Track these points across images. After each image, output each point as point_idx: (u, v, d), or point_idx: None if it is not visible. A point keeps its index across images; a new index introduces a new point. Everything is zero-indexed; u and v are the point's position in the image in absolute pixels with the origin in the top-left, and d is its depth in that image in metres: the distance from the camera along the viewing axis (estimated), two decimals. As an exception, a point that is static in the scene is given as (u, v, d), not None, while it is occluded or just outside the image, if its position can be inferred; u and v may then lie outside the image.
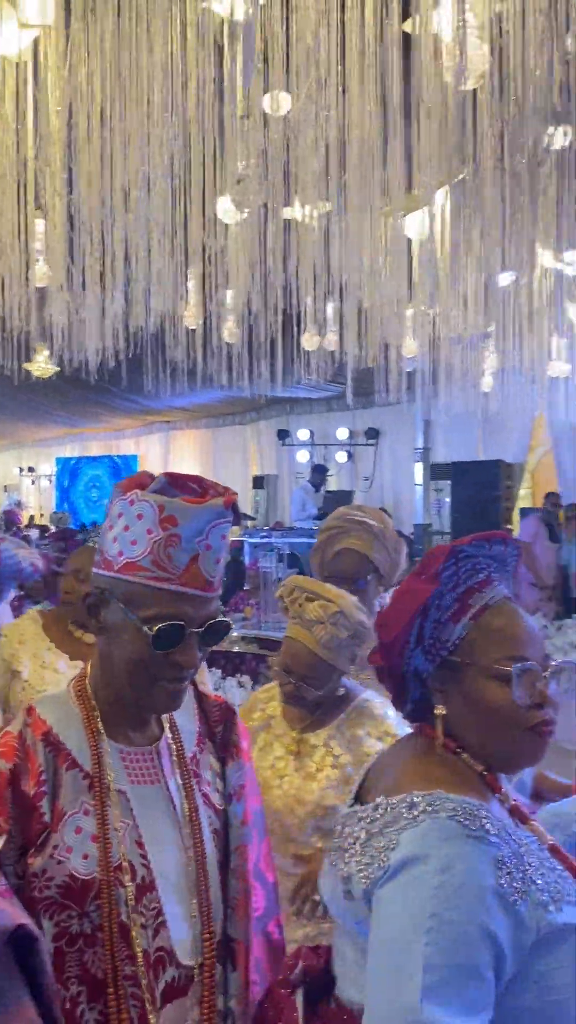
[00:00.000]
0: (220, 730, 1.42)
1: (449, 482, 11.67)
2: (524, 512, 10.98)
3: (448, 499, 11.77)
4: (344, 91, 2.61)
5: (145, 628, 1.20)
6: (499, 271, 3.87)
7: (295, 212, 3.44)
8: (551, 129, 2.14)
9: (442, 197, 2.88)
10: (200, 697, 1.43)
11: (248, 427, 14.81)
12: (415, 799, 1.15)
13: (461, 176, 2.52)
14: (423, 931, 1.05)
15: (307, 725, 2.17)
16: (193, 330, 4.34)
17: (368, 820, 1.18)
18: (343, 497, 12.17)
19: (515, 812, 1.24)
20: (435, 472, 11.87)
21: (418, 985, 1.03)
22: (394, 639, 1.25)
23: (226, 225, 3.55)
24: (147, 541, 1.21)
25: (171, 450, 16.36)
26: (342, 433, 13.35)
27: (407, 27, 2.45)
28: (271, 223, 3.53)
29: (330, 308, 4.61)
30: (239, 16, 2.58)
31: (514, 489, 11.63)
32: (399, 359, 5.04)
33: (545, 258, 4.10)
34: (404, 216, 2.95)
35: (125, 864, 1.23)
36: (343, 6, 2.49)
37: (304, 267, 3.66)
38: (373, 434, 13.04)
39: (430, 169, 2.06)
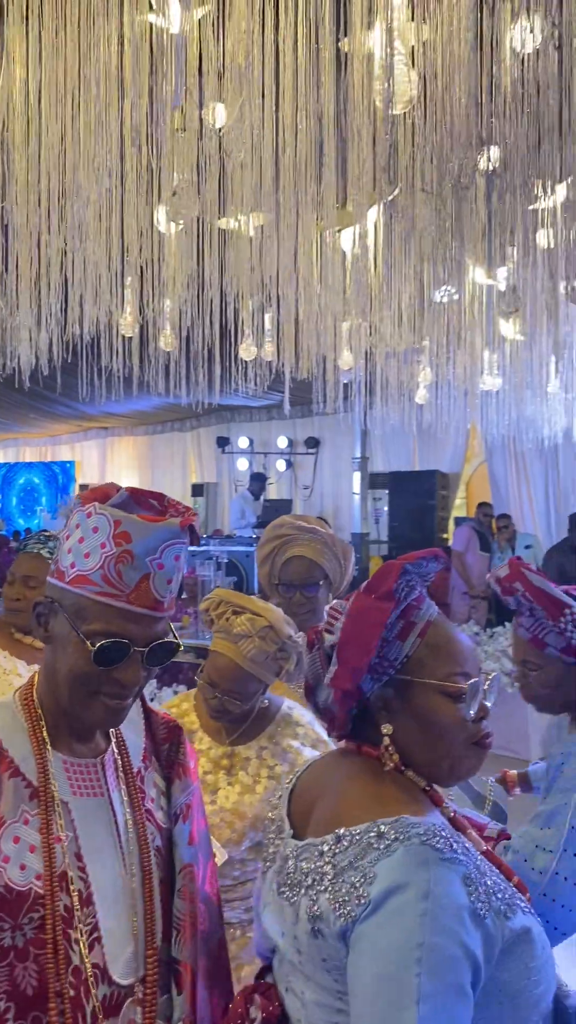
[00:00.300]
0: (166, 748, 1.41)
1: (387, 491, 11.85)
2: (459, 521, 11.21)
3: (386, 508, 11.94)
4: (278, 107, 2.66)
5: (88, 643, 1.19)
6: (432, 287, 3.96)
7: (231, 223, 3.47)
8: (479, 153, 2.21)
9: (375, 214, 2.94)
10: (148, 714, 1.42)
11: (187, 434, 14.76)
12: (382, 828, 1.14)
13: (393, 195, 2.59)
14: (414, 961, 1.05)
15: (236, 738, 2.16)
16: (130, 338, 4.32)
17: (331, 854, 1.16)
18: (282, 506, 12.23)
19: (454, 823, 1.27)
20: (373, 481, 12.02)
21: (414, 1017, 1.03)
22: (361, 661, 1.23)
23: (162, 235, 3.56)
24: (100, 555, 1.19)
25: (109, 456, 16.19)
26: (282, 442, 13.41)
27: (342, 46, 2.50)
28: (208, 233, 3.55)
29: (267, 319, 4.65)
30: (175, 29, 2.60)
31: (449, 499, 11.87)
32: (336, 371, 5.11)
33: (477, 275, 4.21)
34: (339, 231, 3.00)
35: (66, 876, 1.21)
36: (277, 25, 2.53)
37: (241, 278, 3.69)
38: (313, 443, 13.14)
39: (362, 187, 2.11)
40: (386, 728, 1.25)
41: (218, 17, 2.51)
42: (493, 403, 6.54)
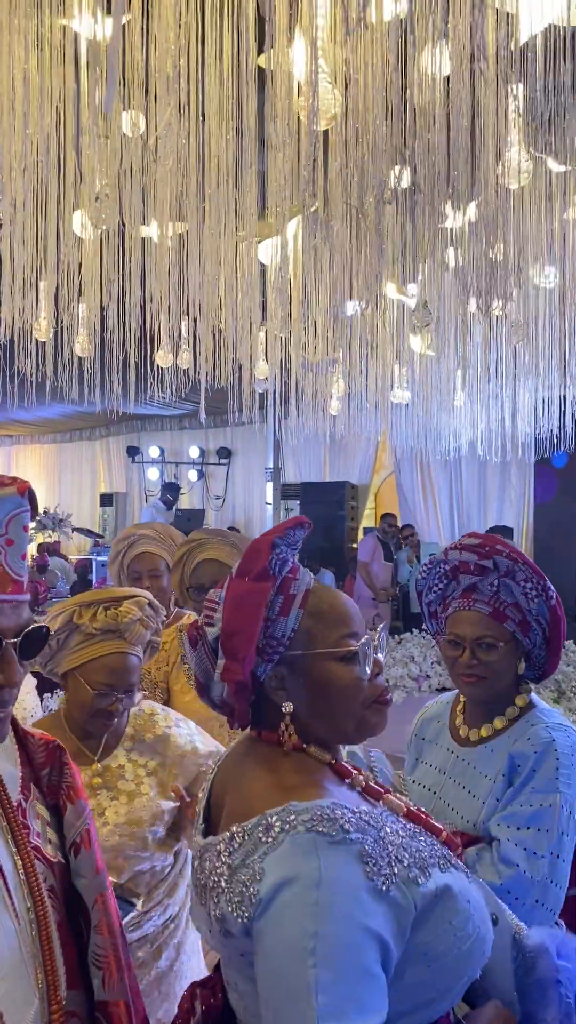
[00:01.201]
0: (47, 773, 1.26)
1: (298, 502, 11.98)
2: (368, 531, 11.43)
3: (297, 518, 12.06)
4: (203, 118, 2.69)
5: None
6: (347, 301, 4.06)
7: (151, 231, 3.48)
8: (395, 171, 2.30)
9: (294, 227, 3.01)
10: (22, 738, 1.25)
11: (96, 443, 14.55)
12: (270, 819, 1.11)
13: (312, 209, 2.66)
14: (309, 953, 1.02)
15: (101, 752, 2.05)
16: (43, 343, 4.26)
17: (227, 853, 1.13)
18: (194, 515, 12.18)
19: (368, 792, 1.24)
20: (285, 492, 12.14)
21: (313, 1009, 1.00)
22: (249, 648, 1.18)
23: (80, 240, 3.53)
24: None
25: (14, 465, 15.77)
26: (194, 451, 13.38)
27: (261, 61, 2.56)
28: (128, 240, 3.55)
29: (184, 327, 4.66)
30: (98, 37, 2.61)
31: (359, 509, 12.10)
32: (251, 380, 5.16)
33: (389, 290, 4.33)
34: (257, 242, 3.05)
35: None
36: (203, 37, 2.57)
37: (159, 285, 3.70)
38: (225, 453, 13.16)
39: (282, 200, 2.16)
40: (286, 707, 1.21)
41: (142, 26, 2.53)
42: (402, 415, 6.72)
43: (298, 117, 2.07)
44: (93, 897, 1.20)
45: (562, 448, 6.70)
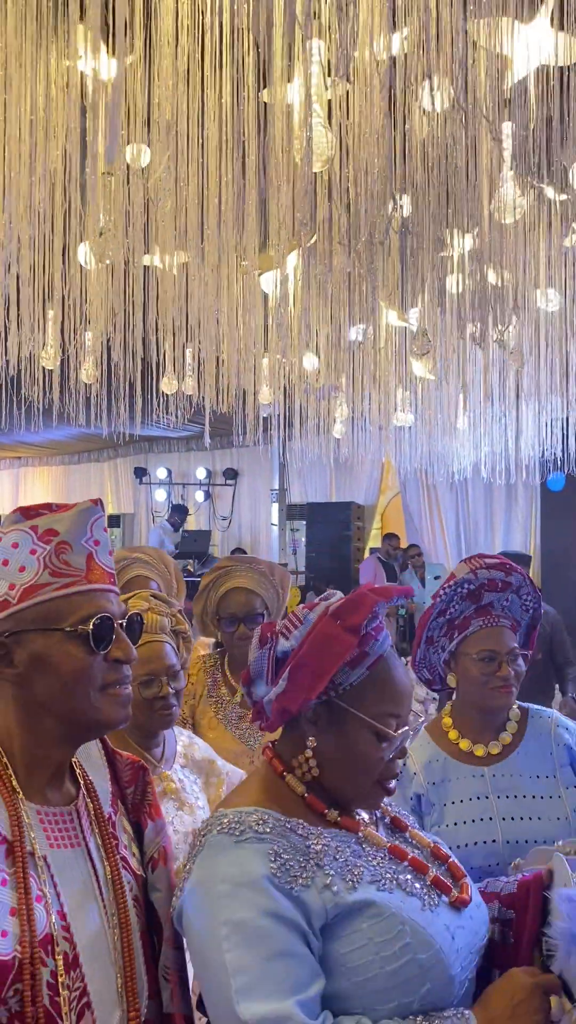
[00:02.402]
0: (132, 791, 1.34)
1: (304, 522, 12.01)
2: (373, 551, 11.46)
3: (303, 539, 12.10)
4: (202, 154, 2.76)
5: (80, 628, 1.14)
6: (348, 329, 4.12)
7: (155, 261, 3.55)
8: (389, 208, 2.36)
9: (295, 259, 3.07)
10: (111, 756, 1.35)
11: (104, 464, 14.63)
12: (203, 826, 1.23)
13: (311, 242, 2.72)
14: (221, 939, 1.11)
15: (162, 762, 2.10)
16: (51, 370, 4.33)
17: (189, 859, 1.25)
18: (201, 536, 12.23)
19: (345, 825, 1.29)
20: (291, 512, 12.18)
21: (232, 990, 1.08)
22: (316, 690, 1.22)
23: (85, 270, 3.61)
24: (35, 560, 1.16)
25: (23, 487, 15.88)
26: (200, 473, 13.45)
27: (265, 96, 2.64)
28: (132, 271, 3.62)
29: (188, 354, 4.73)
30: (103, 76, 2.68)
31: (365, 530, 12.12)
32: (256, 405, 5.22)
33: (390, 317, 4.39)
34: (260, 274, 3.12)
35: (50, 939, 1.10)
36: (203, 74, 2.65)
37: (164, 314, 3.77)
38: (232, 474, 13.22)
39: (280, 236, 2.22)
40: (311, 742, 1.27)
41: (145, 65, 2.61)
42: (406, 438, 6.77)
43: (294, 157, 2.13)
44: (166, 911, 1.28)
45: (561, 470, 6.72)
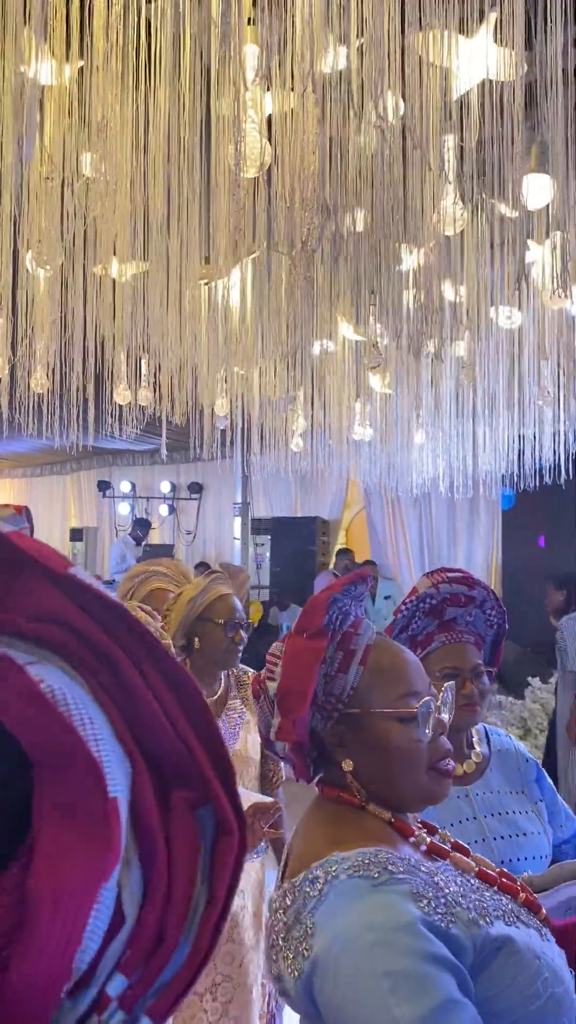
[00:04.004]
0: None
1: (269, 537, 11.98)
2: (331, 568, 11.45)
3: (268, 553, 12.06)
4: (145, 160, 2.74)
5: None
6: (299, 341, 4.11)
7: (107, 270, 3.51)
8: (329, 220, 2.35)
9: (238, 270, 3.05)
10: None
11: (67, 477, 14.50)
12: (315, 873, 1.08)
13: (254, 255, 2.70)
14: (387, 994, 0.97)
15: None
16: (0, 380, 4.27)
17: (283, 910, 1.10)
18: (163, 551, 12.14)
19: (433, 850, 1.20)
20: (255, 527, 12.14)
21: None
22: (302, 708, 1.16)
23: (34, 278, 3.56)
24: None
25: (-15, 499, 15.66)
26: (165, 486, 13.36)
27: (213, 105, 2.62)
28: (82, 278, 3.58)
29: (144, 364, 4.69)
30: (46, 81, 2.65)
31: (330, 544, 12.11)
32: (212, 417, 5.19)
33: (345, 330, 4.39)
34: (205, 284, 3.09)
35: None
36: (149, 79, 2.63)
37: (115, 323, 3.73)
38: (196, 488, 13.16)
39: (218, 245, 2.20)
40: (347, 764, 1.18)
41: (88, 70, 2.58)
42: (366, 452, 6.78)
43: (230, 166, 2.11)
44: None
45: (513, 487, 6.77)
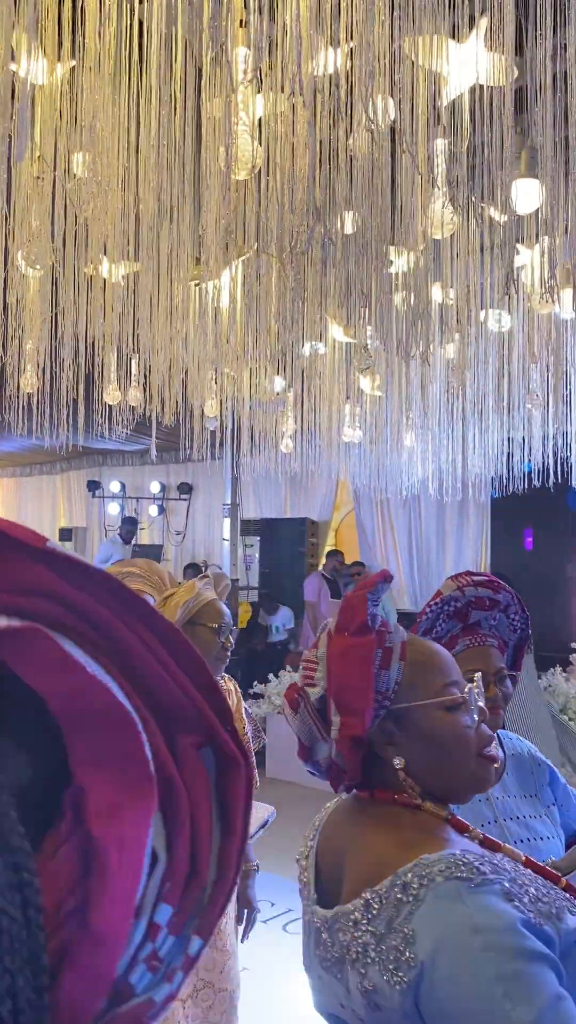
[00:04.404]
0: None
1: (259, 538, 11.98)
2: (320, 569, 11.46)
3: (257, 554, 12.07)
4: (138, 162, 2.74)
5: None
6: (290, 342, 4.11)
7: (98, 270, 3.51)
8: (319, 223, 2.36)
9: (229, 271, 3.06)
10: None
11: (57, 477, 14.45)
12: (405, 878, 1.06)
13: (245, 256, 2.70)
14: (503, 998, 0.96)
15: None
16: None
17: (367, 920, 1.07)
18: (152, 551, 12.13)
19: (487, 844, 1.21)
20: (245, 528, 12.14)
21: None
22: (366, 699, 1.16)
23: (25, 277, 3.55)
24: None
25: (-26, 498, 15.60)
26: (155, 487, 13.34)
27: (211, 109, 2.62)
28: (73, 278, 3.57)
29: (134, 364, 4.68)
30: (37, 80, 2.65)
31: (319, 546, 12.11)
32: (203, 418, 5.19)
33: (335, 332, 4.40)
34: (196, 285, 3.09)
35: None
36: (140, 81, 2.63)
37: (106, 323, 3.73)
38: (186, 488, 13.14)
39: (208, 246, 2.20)
40: (398, 761, 1.19)
41: (79, 70, 2.58)
42: (356, 454, 6.79)
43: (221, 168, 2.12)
44: None
45: (495, 490, 6.79)
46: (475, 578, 1.95)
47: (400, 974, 1.02)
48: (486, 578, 1.96)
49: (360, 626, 1.18)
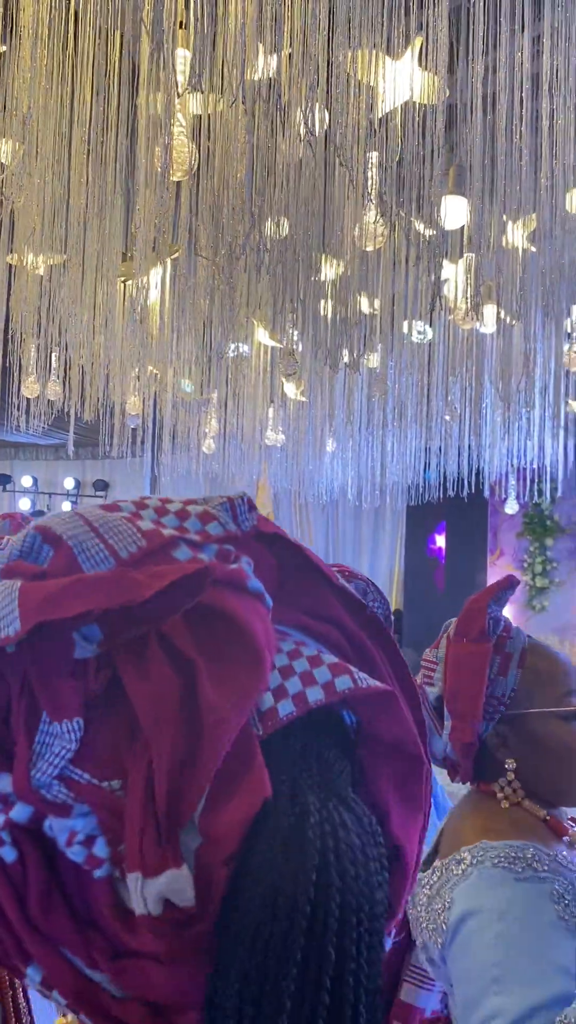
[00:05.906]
0: None
1: (174, 538, 11.88)
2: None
3: (173, 555, 11.97)
4: (70, 154, 2.69)
5: None
6: (216, 344, 4.10)
7: (21, 260, 3.41)
8: (253, 227, 2.37)
9: (161, 270, 3.03)
10: None
11: (-33, 470, 13.98)
12: (462, 854, 1.13)
13: (174, 256, 2.68)
14: (490, 982, 1.01)
15: None
16: None
17: (427, 884, 1.17)
18: (66, 548, 11.83)
19: None
20: (161, 527, 12.00)
21: None
22: (476, 709, 1.19)
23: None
24: None
25: None
26: (69, 483, 13.06)
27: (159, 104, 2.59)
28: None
29: (54, 358, 4.58)
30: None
31: (236, 547, 12.10)
32: (123, 415, 5.11)
33: (261, 335, 4.41)
34: (123, 281, 3.05)
35: None
36: (74, 73, 2.58)
37: (28, 315, 3.63)
38: (102, 486, 12.90)
39: (139, 245, 2.18)
40: (510, 763, 1.21)
41: (12, 58, 2.51)
42: (278, 457, 6.81)
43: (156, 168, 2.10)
44: None
45: (411, 498, 6.92)
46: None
47: (436, 935, 1.12)
48: (338, 568, 2.00)
49: (479, 634, 1.21)
